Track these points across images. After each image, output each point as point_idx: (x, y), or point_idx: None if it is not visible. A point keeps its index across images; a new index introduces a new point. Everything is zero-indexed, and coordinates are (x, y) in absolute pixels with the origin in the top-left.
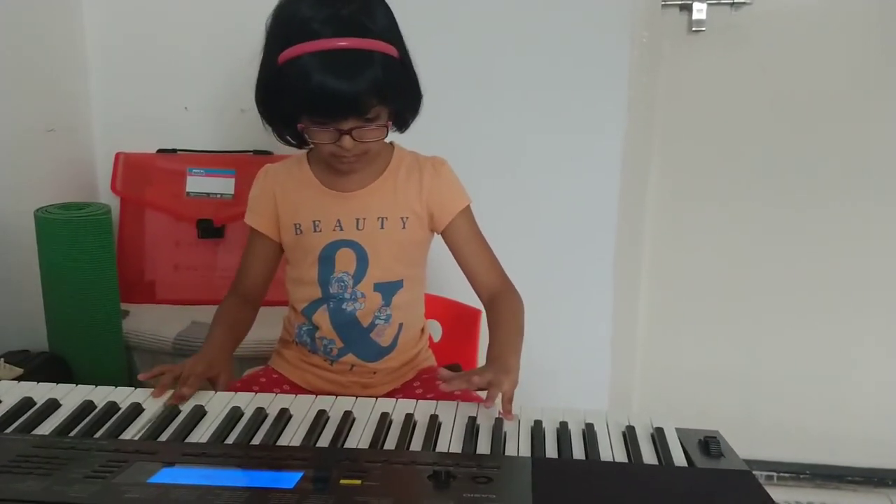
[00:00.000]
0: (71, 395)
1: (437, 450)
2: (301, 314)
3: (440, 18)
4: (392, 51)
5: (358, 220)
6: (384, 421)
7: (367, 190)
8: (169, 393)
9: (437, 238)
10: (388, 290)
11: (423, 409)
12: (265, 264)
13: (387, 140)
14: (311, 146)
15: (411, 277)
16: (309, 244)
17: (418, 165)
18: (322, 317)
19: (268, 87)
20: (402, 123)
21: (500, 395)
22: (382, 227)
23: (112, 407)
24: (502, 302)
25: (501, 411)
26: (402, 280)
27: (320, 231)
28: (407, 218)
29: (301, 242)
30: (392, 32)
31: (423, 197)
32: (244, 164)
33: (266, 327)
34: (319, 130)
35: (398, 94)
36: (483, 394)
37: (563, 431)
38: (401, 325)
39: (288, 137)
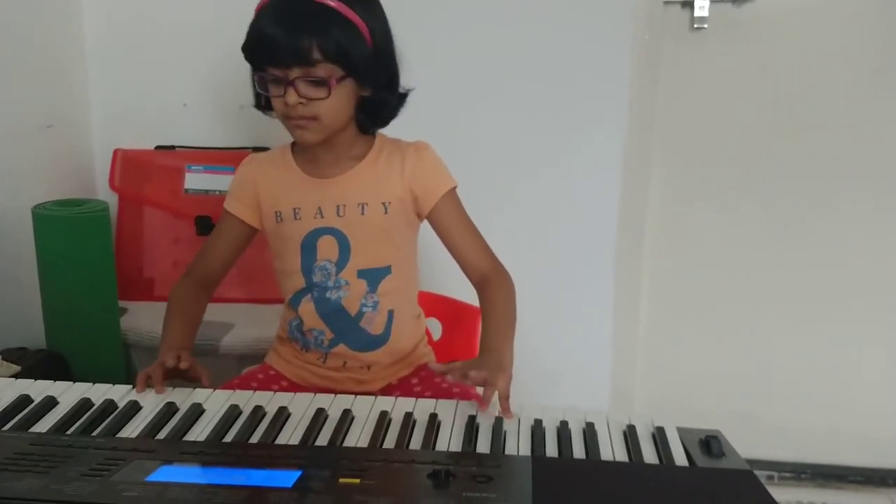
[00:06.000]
0: (68, 393)
1: (437, 449)
2: (289, 306)
3: (439, 17)
4: (359, 21)
5: (338, 206)
6: (383, 419)
7: (347, 176)
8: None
9: (433, 236)
10: (373, 276)
11: (422, 408)
12: (230, 249)
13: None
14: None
15: (399, 263)
16: (290, 232)
17: (400, 150)
18: (307, 307)
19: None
20: (377, 110)
21: (496, 394)
22: (363, 213)
23: (110, 405)
24: (494, 287)
25: (500, 410)
26: (390, 266)
27: (300, 219)
28: (389, 203)
29: (282, 230)
30: (373, 14)
31: (406, 180)
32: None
33: (263, 325)
34: (270, 83)
35: (357, 64)
36: (480, 390)
37: (563, 431)
38: (391, 311)
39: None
